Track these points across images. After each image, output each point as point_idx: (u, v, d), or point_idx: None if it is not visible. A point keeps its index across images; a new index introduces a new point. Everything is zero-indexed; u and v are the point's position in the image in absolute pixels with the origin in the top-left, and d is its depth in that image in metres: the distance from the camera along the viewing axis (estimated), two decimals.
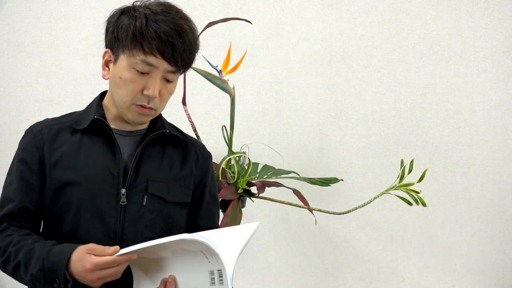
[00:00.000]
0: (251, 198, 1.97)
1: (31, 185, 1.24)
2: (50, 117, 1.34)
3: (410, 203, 1.89)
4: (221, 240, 1.11)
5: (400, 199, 1.90)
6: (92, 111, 1.29)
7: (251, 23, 2.12)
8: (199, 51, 1.29)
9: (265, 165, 2.10)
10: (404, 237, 2.41)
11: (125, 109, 1.25)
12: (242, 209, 1.91)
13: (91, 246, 1.12)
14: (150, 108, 1.24)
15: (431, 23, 2.39)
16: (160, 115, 1.35)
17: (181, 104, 1.99)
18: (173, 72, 1.23)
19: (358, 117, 2.40)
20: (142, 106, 1.23)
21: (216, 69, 1.95)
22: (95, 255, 1.10)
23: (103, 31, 1.29)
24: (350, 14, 2.39)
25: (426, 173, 1.87)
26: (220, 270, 1.10)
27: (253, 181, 1.95)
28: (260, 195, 1.91)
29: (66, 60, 2.32)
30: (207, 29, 1.95)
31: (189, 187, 1.34)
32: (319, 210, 2.00)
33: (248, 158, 1.98)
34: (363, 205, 1.96)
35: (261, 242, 2.38)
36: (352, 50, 2.39)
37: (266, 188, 1.94)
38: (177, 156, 1.34)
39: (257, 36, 2.36)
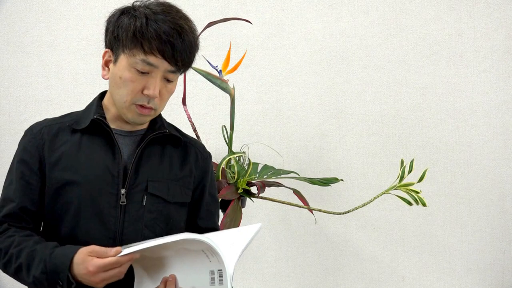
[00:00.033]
0: (251, 198, 1.97)
1: (31, 185, 1.24)
2: (50, 117, 1.34)
3: (410, 203, 1.89)
4: (222, 240, 1.12)
5: (400, 199, 1.90)
6: (92, 111, 1.29)
7: (251, 23, 2.13)
8: (199, 51, 1.29)
9: (265, 165, 2.10)
10: (404, 237, 2.41)
11: (124, 108, 1.25)
12: (242, 209, 1.91)
13: (93, 248, 1.12)
14: (150, 108, 1.24)
15: (431, 23, 2.39)
16: (160, 115, 1.35)
17: (181, 104, 1.99)
18: (173, 72, 1.24)
19: (358, 117, 2.40)
20: (142, 106, 1.23)
21: (216, 69, 1.95)
22: (97, 257, 1.10)
23: (103, 31, 1.29)
24: (350, 14, 2.39)
25: (426, 173, 1.87)
26: (221, 270, 1.10)
27: (253, 181, 1.95)
28: (260, 195, 1.91)
29: (66, 60, 2.32)
30: (207, 29, 1.95)
31: (189, 187, 1.34)
32: (319, 210, 2.00)
33: (248, 158, 1.98)
34: (363, 205, 1.96)
35: (261, 242, 2.38)
36: (352, 50, 2.39)
37: (266, 188, 1.94)
38: (177, 156, 1.34)
39: (257, 36, 2.36)
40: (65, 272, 1.11)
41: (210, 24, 1.98)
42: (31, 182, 1.24)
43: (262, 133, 2.38)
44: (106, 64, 1.27)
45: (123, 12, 1.24)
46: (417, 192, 1.87)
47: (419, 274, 2.42)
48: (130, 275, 1.19)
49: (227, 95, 2.02)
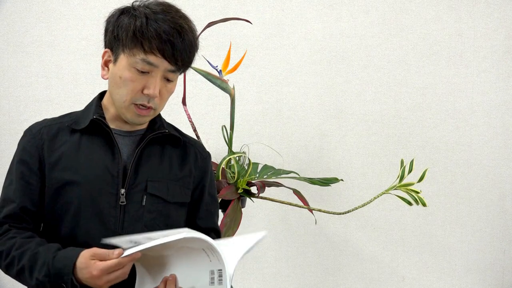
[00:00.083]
0: (251, 198, 1.97)
1: (31, 185, 1.24)
2: (50, 117, 1.34)
3: (410, 203, 1.89)
4: (224, 242, 1.12)
5: (400, 199, 1.90)
6: (91, 111, 1.29)
7: (251, 23, 2.12)
8: (199, 51, 1.29)
9: (265, 165, 2.10)
10: (404, 237, 2.41)
11: (123, 108, 1.25)
12: (242, 209, 1.91)
13: (95, 251, 1.12)
14: (150, 108, 1.24)
15: (431, 23, 2.39)
16: (159, 115, 1.35)
17: (181, 104, 1.99)
18: (173, 71, 1.24)
19: (358, 117, 2.40)
20: (142, 106, 1.24)
21: (216, 69, 1.95)
22: (100, 260, 1.10)
23: (103, 31, 1.29)
24: (350, 14, 2.39)
25: (426, 173, 1.87)
26: (220, 269, 1.10)
27: (253, 181, 1.95)
28: (260, 195, 1.91)
29: (66, 60, 2.32)
30: (207, 29, 1.95)
31: (189, 187, 1.34)
32: (319, 210, 2.00)
33: (248, 158, 1.98)
34: (363, 205, 1.96)
35: (261, 242, 2.37)
36: (352, 50, 2.39)
37: (266, 188, 1.94)
38: (177, 156, 1.34)
39: (257, 36, 2.36)
40: (69, 276, 1.11)
41: (210, 24, 1.98)
42: (31, 182, 1.24)
43: (262, 133, 2.38)
44: (105, 64, 1.27)
45: (123, 12, 1.24)
46: (417, 192, 1.87)
47: (419, 274, 2.42)
48: (132, 274, 1.18)
49: (227, 95, 2.02)
